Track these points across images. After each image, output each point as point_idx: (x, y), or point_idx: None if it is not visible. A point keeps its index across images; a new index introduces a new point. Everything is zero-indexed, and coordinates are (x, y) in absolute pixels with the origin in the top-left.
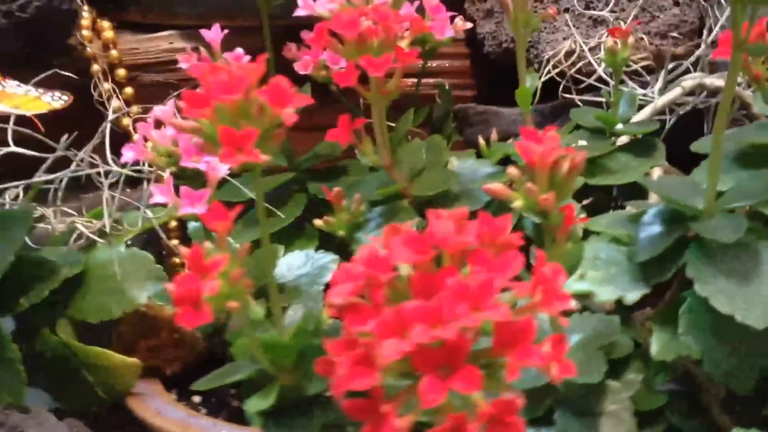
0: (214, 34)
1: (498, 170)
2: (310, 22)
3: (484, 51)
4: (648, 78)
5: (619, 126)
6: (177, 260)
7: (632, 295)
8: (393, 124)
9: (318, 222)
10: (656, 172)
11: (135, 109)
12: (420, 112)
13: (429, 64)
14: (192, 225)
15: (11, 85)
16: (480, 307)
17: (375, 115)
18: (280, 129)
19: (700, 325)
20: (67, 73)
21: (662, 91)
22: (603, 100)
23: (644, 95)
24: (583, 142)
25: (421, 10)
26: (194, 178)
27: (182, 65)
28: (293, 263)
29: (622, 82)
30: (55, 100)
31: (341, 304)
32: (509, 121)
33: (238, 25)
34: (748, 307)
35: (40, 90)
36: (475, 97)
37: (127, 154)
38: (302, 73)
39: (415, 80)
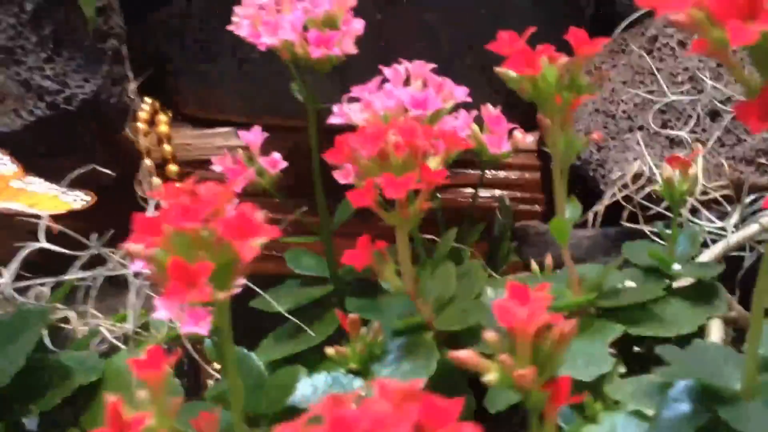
0: (253, 136)
1: None
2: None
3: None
4: (728, 208)
5: (676, 266)
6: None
7: None
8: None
9: (330, 351)
10: (714, 325)
11: None
12: (477, 227)
13: (495, 175)
14: (207, 341)
15: (32, 182)
16: None
17: (398, 239)
18: (244, 263)
19: None
20: (105, 170)
21: (738, 225)
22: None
23: (718, 229)
24: (630, 283)
25: (480, 119)
26: None
27: (215, 167)
28: (318, 385)
29: (696, 211)
30: (76, 201)
31: None
32: (571, 244)
33: (290, 126)
34: None
35: (62, 189)
36: (544, 213)
37: (137, 263)
38: (343, 182)
39: (473, 191)
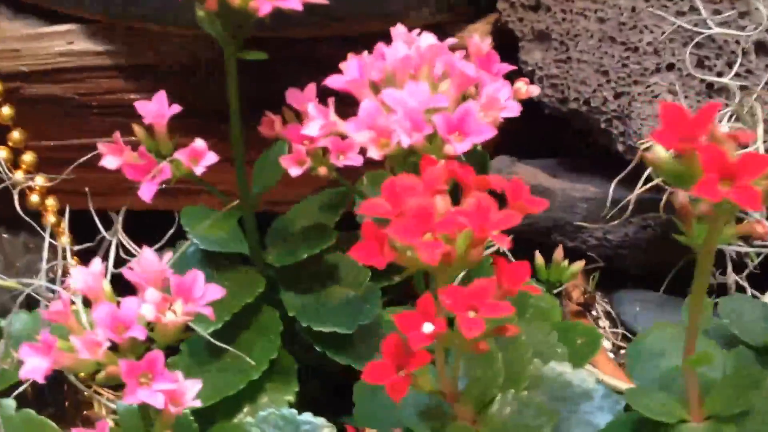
0: (156, 108)
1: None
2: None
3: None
4: None
5: None
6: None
7: None
8: None
9: None
10: None
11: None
12: None
13: None
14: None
15: None
16: None
17: (437, 356)
18: None
19: None
20: None
21: None
22: None
23: None
24: None
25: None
26: None
27: (106, 163)
28: (266, 428)
29: None
30: None
31: None
32: (564, 205)
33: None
34: None
35: None
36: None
37: (33, 362)
38: None
39: None
